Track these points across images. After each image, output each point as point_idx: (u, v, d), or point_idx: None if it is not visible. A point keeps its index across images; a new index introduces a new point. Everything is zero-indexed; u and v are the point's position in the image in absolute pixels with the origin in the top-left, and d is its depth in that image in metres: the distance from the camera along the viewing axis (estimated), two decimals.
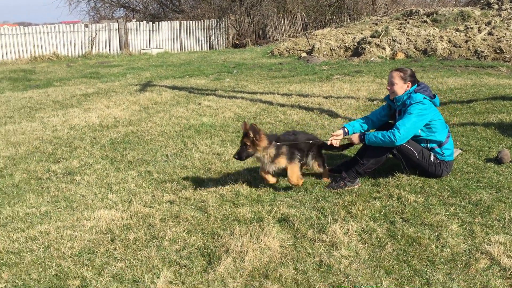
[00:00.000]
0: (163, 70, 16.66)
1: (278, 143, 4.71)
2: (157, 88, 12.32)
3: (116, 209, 4.58)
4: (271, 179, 4.83)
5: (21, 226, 4.35)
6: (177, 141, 7.05)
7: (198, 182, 5.22)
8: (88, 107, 10.03)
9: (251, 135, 4.57)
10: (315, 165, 5.06)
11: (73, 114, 9.32)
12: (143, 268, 3.48)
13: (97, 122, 8.56)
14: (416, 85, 4.93)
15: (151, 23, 24.88)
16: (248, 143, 4.60)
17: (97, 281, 3.36)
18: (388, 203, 4.39)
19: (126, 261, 3.61)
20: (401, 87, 4.91)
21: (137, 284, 3.30)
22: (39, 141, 7.32)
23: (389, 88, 4.99)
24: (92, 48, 22.64)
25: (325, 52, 17.62)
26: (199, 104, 9.77)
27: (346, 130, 5.15)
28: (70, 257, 3.71)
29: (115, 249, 3.80)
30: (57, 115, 9.38)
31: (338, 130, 5.17)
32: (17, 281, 3.41)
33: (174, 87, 12.36)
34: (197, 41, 26.12)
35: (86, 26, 23.02)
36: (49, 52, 21.62)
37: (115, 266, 3.54)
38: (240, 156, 4.68)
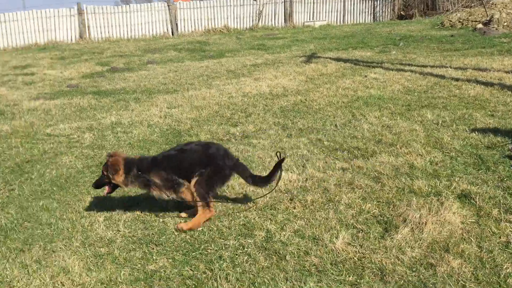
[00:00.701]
0: (326, 42, 16.73)
1: (139, 174, 4.00)
2: (321, 60, 12.46)
3: (291, 172, 4.86)
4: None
5: None
6: (345, 111, 7.12)
7: (370, 153, 5.24)
8: (258, 77, 10.60)
9: (108, 168, 4.05)
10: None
11: (245, 83, 9.95)
12: (322, 228, 3.68)
13: (267, 91, 9.03)
14: None
15: None
16: (105, 173, 4.11)
17: (280, 234, 3.65)
18: None
19: (305, 219, 3.85)
20: None
21: (316, 242, 3.52)
22: (218, 106, 8.01)
23: None
24: (258, 21, 23.63)
25: (505, 23, 15.89)
26: (366, 76, 9.66)
27: None
28: (255, 210, 4.08)
29: (294, 208, 4.07)
30: (231, 83, 10.10)
31: None
32: (212, 226, 3.88)
33: (338, 59, 12.37)
34: (361, 13, 25.52)
35: (254, 0, 24.03)
36: (220, 25, 23.14)
37: (296, 223, 3.80)
38: (96, 184, 4.23)
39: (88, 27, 21.66)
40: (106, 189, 4.16)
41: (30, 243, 3.87)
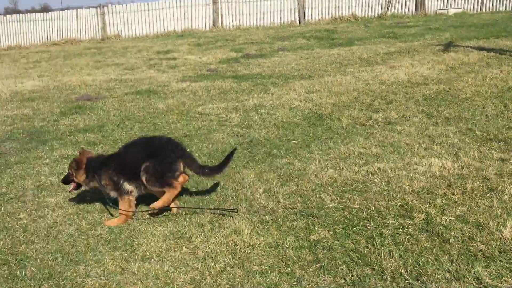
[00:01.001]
0: (463, 31, 15.76)
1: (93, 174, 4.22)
2: (461, 49, 11.80)
3: (445, 159, 4.78)
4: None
5: (358, 162, 4.98)
6: (496, 102, 6.74)
7: None
8: (393, 65, 10.38)
9: (73, 166, 4.29)
10: (148, 185, 4.14)
11: (380, 71, 9.81)
12: (486, 215, 3.60)
13: (405, 79, 8.83)
14: None
15: None
16: (71, 171, 4.32)
17: (441, 218, 3.64)
18: None
19: (467, 206, 3.79)
20: None
21: (481, 228, 3.45)
22: (357, 92, 8.04)
23: None
24: (388, 9, 22.94)
25: None
26: None
27: None
28: (411, 193, 4.10)
29: (453, 194, 4.02)
30: (365, 70, 10.03)
31: None
32: (369, 205, 3.98)
33: (480, 48, 11.63)
34: (502, 0, 23.54)
35: None
36: (348, 13, 22.87)
37: (457, 209, 3.76)
38: (63, 180, 4.45)
39: (221, 15, 22.75)
40: (71, 185, 4.42)
41: (201, 206, 4.29)
